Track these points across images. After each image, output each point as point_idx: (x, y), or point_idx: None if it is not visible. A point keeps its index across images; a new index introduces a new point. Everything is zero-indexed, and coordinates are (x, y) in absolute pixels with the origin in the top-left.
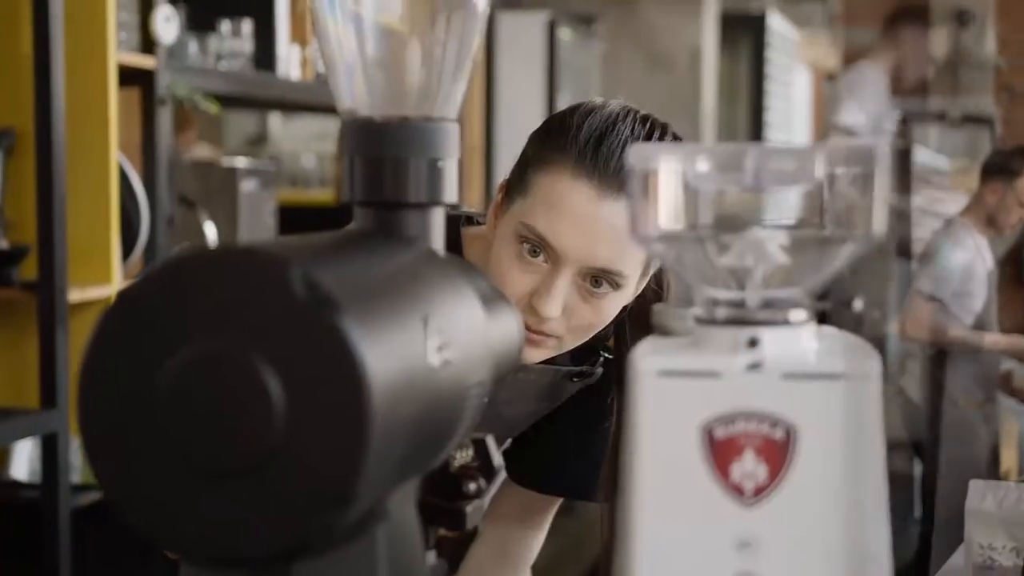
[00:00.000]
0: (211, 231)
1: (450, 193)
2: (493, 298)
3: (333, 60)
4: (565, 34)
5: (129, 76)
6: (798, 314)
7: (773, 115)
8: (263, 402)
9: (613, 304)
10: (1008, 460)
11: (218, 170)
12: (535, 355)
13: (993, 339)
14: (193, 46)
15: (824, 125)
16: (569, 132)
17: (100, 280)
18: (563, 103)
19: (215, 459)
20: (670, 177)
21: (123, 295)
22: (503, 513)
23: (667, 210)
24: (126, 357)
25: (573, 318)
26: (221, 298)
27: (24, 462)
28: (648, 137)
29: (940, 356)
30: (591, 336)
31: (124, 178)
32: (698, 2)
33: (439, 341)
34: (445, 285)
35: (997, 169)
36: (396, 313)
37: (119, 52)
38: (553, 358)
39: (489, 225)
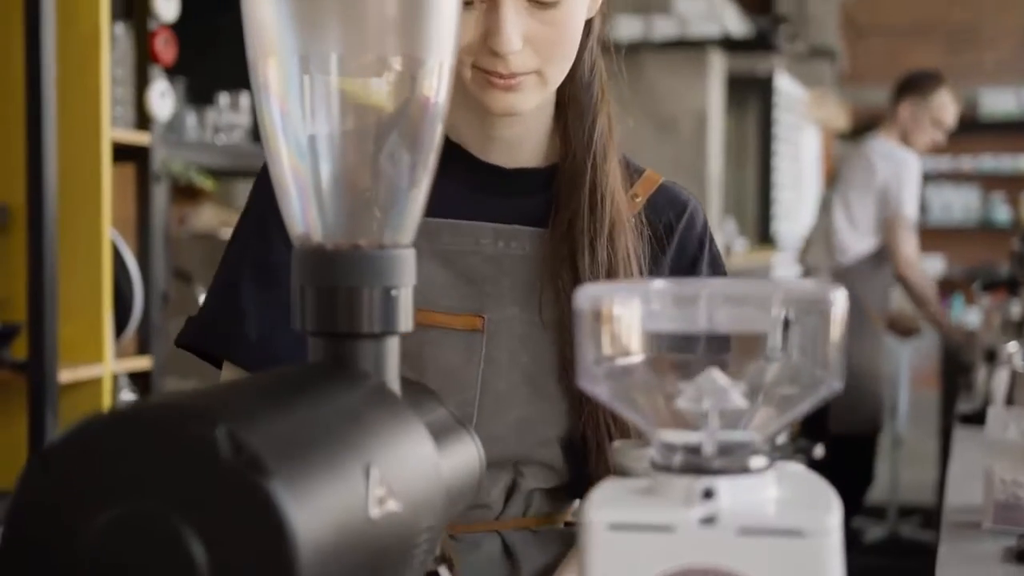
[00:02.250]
0: None
1: (405, 322)
2: (448, 429)
3: (285, 184)
4: None
5: (125, 152)
6: (757, 461)
7: (782, 175)
8: (187, 569)
9: (571, 13)
10: None
11: (219, 243)
12: (521, 101)
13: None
14: (191, 119)
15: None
16: None
17: (92, 359)
18: None
19: None
20: (621, 318)
21: (44, 455)
22: None
23: (617, 349)
24: (47, 520)
25: (537, 43)
26: (144, 459)
27: None
28: None
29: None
30: (571, 60)
31: (118, 255)
32: (704, 65)
33: (382, 491)
34: (393, 426)
35: (910, 88)
36: (334, 466)
37: (114, 128)
38: None
39: None
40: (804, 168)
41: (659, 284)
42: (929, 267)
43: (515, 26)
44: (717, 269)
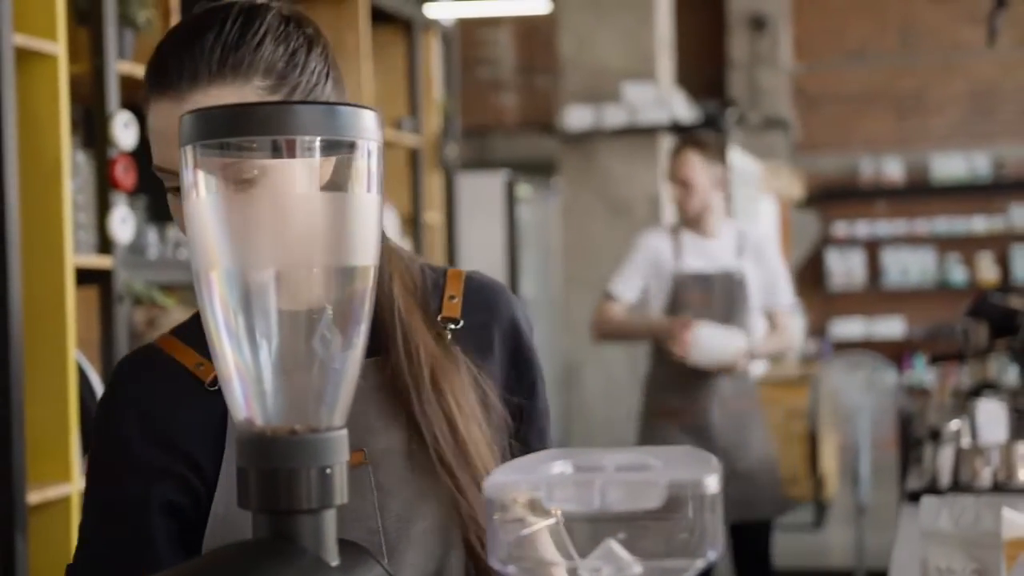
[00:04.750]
0: None
1: (340, 495)
2: None
3: (228, 376)
4: (524, 190)
5: (87, 275)
6: None
7: None
8: None
9: (275, 191)
10: None
11: None
12: None
13: None
14: (152, 236)
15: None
16: (149, 60)
17: (59, 478)
18: (525, 255)
19: None
20: (527, 503)
21: None
22: None
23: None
24: None
25: None
26: None
27: None
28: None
29: None
30: None
31: (83, 375)
32: (655, 150)
33: None
34: None
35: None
36: None
37: (77, 254)
38: None
39: None
40: None
41: (558, 469)
42: (888, 329)
43: None
44: (531, 355)
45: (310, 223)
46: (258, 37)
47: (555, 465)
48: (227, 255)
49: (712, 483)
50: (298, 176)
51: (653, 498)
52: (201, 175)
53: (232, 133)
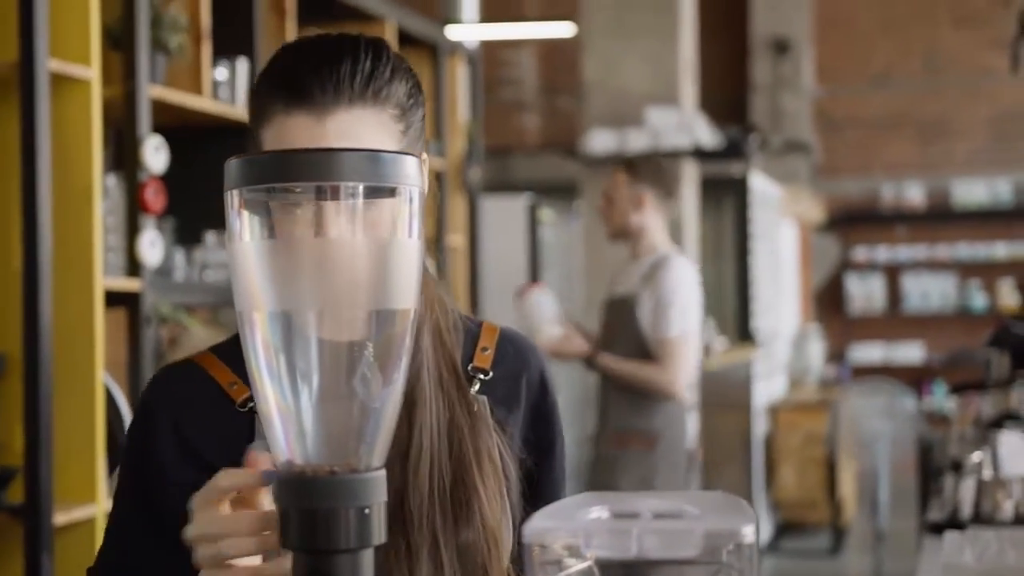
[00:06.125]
0: None
1: (379, 535)
2: None
3: (270, 418)
4: (547, 215)
5: (116, 297)
6: None
7: (760, 271)
8: None
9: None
10: None
11: None
12: None
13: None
14: (180, 258)
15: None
16: (268, 74)
17: (86, 500)
18: (547, 278)
19: None
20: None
21: None
22: None
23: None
24: None
25: None
26: None
27: None
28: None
29: None
30: None
31: (110, 397)
32: (678, 173)
33: None
34: None
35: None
36: None
37: (106, 276)
38: None
39: None
40: (782, 263)
41: (595, 514)
42: (907, 354)
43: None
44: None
45: (352, 267)
46: (389, 70)
47: (592, 511)
48: (271, 297)
49: (749, 532)
50: (341, 221)
51: (690, 547)
52: (246, 218)
53: (278, 179)
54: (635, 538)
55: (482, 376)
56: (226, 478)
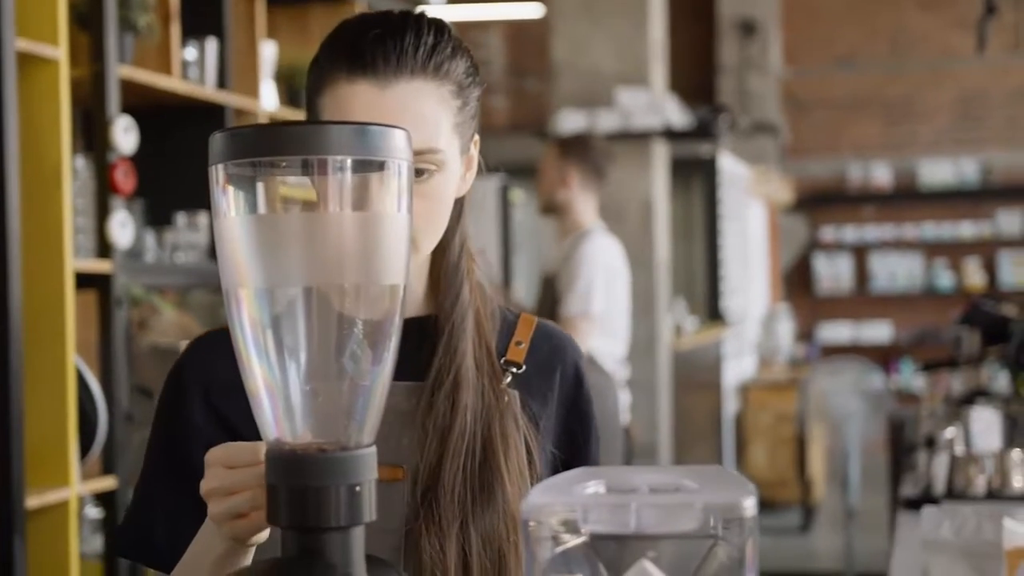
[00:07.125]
0: None
1: (369, 513)
2: None
3: (259, 396)
4: (517, 196)
5: (86, 279)
6: None
7: (729, 251)
8: None
9: (443, 186)
10: None
11: (176, 355)
12: None
13: None
14: (151, 240)
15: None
16: (331, 44)
17: (58, 483)
18: (518, 260)
19: None
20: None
21: None
22: None
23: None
24: None
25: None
26: None
27: None
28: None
29: None
30: (442, 229)
31: (82, 379)
32: (648, 155)
33: None
34: None
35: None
36: None
37: (76, 258)
38: None
39: None
40: (751, 243)
41: (592, 489)
42: (875, 333)
43: None
44: (588, 405)
45: (340, 242)
46: (450, 47)
47: (589, 485)
48: (257, 273)
49: (749, 506)
50: (329, 195)
51: (688, 520)
52: (231, 193)
53: (264, 152)
54: (633, 512)
55: (514, 370)
56: (242, 453)
